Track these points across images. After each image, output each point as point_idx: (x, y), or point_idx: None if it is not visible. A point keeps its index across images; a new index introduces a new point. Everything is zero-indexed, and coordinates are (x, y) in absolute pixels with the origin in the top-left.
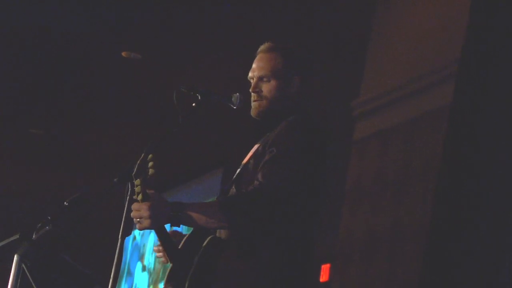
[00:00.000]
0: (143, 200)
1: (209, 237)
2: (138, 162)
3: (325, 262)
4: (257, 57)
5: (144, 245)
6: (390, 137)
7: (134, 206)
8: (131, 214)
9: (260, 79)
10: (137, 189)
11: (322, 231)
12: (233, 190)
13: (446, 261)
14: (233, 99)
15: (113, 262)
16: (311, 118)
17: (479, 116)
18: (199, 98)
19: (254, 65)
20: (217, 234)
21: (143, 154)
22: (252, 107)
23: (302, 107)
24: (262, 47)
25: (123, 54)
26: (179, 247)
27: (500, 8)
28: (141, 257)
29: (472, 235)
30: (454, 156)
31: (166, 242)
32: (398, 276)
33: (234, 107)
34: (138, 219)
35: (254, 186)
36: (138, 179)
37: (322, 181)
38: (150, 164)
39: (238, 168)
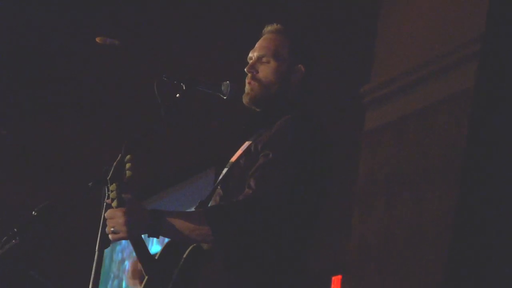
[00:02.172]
0: (118, 206)
1: (191, 247)
2: (114, 164)
3: (336, 274)
4: (262, 37)
5: None
6: (405, 127)
7: (108, 213)
8: (107, 222)
9: (259, 59)
10: (112, 194)
11: (331, 237)
12: (219, 191)
13: (473, 269)
14: (223, 88)
15: (90, 277)
16: (313, 116)
17: (507, 99)
18: (184, 87)
19: (256, 45)
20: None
21: (120, 155)
22: (245, 91)
23: (302, 101)
24: (269, 27)
25: (98, 40)
26: (156, 258)
27: None
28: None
29: (505, 237)
30: (480, 145)
31: (143, 254)
32: (418, 287)
33: (225, 97)
34: (112, 228)
35: (246, 195)
36: (114, 184)
37: (324, 189)
38: (128, 165)
39: (226, 167)
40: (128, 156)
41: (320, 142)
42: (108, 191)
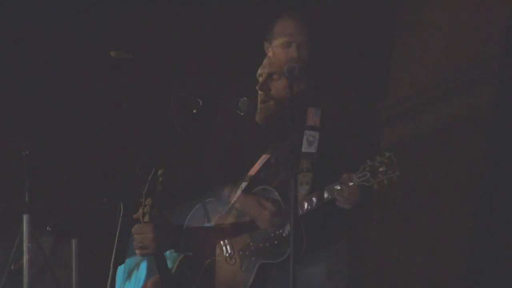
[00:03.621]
0: (147, 222)
1: (207, 261)
2: (150, 178)
3: None
4: (270, 52)
5: None
6: (422, 145)
7: (136, 229)
8: (134, 237)
9: (269, 76)
10: (146, 209)
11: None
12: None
13: (492, 285)
14: (240, 104)
15: None
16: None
17: None
18: (201, 103)
19: (265, 61)
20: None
21: (154, 170)
22: (258, 110)
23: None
24: (275, 42)
25: (112, 54)
26: (173, 272)
27: None
28: None
29: None
30: (498, 164)
31: (163, 269)
32: None
33: (242, 114)
34: (140, 244)
35: None
36: (150, 198)
37: None
38: (161, 179)
39: (244, 181)
40: (160, 170)
41: None
42: (125, 207)
